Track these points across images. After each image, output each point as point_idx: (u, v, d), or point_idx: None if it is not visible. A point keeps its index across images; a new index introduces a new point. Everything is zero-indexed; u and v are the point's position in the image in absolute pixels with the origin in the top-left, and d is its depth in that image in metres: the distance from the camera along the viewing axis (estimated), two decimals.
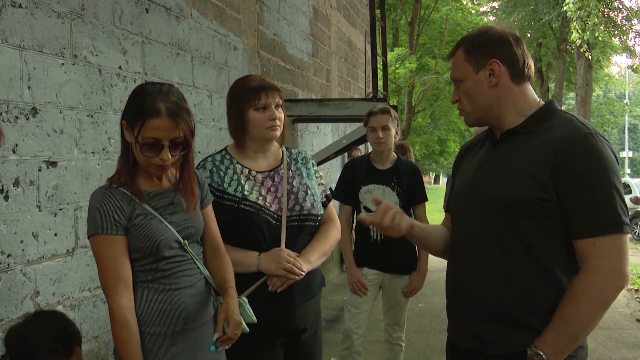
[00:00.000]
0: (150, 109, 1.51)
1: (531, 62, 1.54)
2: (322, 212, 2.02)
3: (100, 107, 2.57)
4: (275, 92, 1.94)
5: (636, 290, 6.70)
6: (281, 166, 2.00)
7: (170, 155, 1.54)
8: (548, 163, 1.39)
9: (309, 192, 1.98)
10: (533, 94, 1.54)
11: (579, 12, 9.94)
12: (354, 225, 3.23)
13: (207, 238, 1.75)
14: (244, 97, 1.92)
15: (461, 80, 1.54)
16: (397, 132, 3.10)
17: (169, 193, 1.64)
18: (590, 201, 1.36)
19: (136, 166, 1.59)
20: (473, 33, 1.56)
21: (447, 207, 1.75)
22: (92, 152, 2.52)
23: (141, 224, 1.55)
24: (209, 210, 1.78)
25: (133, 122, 1.53)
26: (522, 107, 1.50)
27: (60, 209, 2.33)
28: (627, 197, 15.37)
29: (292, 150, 2.09)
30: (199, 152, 3.46)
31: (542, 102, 1.54)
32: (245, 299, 1.78)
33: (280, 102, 1.96)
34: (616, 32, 16.91)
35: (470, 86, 1.52)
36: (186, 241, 1.63)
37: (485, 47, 1.49)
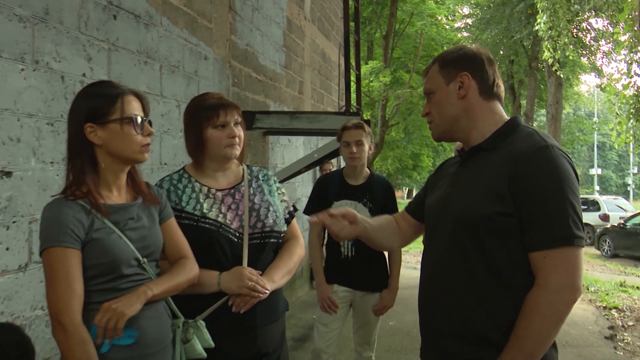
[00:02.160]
0: (118, 92, 1.55)
1: (501, 84, 1.60)
2: (285, 228, 2.00)
3: (62, 115, 2.49)
4: (234, 110, 1.92)
5: (604, 308, 6.82)
6: (242, 183, 1.98)
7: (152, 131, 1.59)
8: (506, 177, 1.43)
9: (270, 208, 1.96)
10: (501, 112, 1.58)
11: (550, 31, 10.29)
12: (325, 241, 3.22)
13: (171, 249, 1.70)
14: (202, 115, 1.89)
15: (433, 92, 1.60)
16: (370, 147, 3.11)
17: (129, 207, 1.60)
18: (542, 213, 1.38)
19: (98, 176, 1.55)
20: (449, 50, 1.64)
21: (409, 208, 1.84)
22: (51, 162, 2.44)
23: (100, 238, 1.48)
24: (172, 222, 1.74)
25: (106, 111, 1.52)
26: (488, 123, 1.55)
27: (14, 222, 2.24)
28: (595, 214, 15.82)
29: (253, 168, 2.08)
30: (166, 164, 3.40)
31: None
32: (203, 322, 1.74)
33: (240, 119, 1.94)
34: (584, 52, 17.52)
35: (440, 97, 1.58)
36: (145, 259, 1.58)
37: (458, 61, 1.57)
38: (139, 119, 1.56)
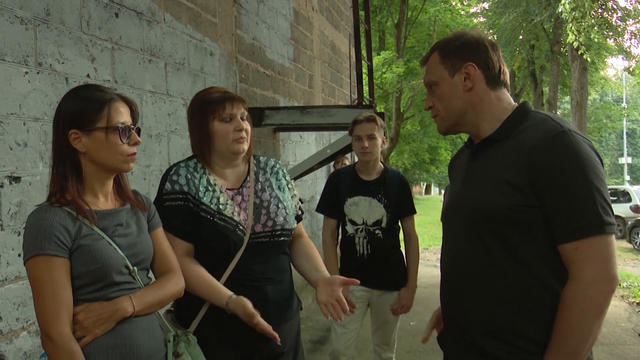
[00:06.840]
0: (106, 97, 1.55)
1: (506, 69, 1.60)
2: (295, 225, 2.01)
3: None
4: (240, 103, 1.93)
5: (638, 304, 6.77)
6: (248, 178, 1.99)
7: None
8: (524, 166, 1.42)
9: (280, 205, 1.97)
10: (509, 99, 1.59)
11: (573, 13, 10.13)
12: (339, 240, 3.25)
13: (157, 261, 1.70)
14: (208, 108, 1.90)
15: (436, 84, 1.59)
16: (383, 141, 3.14)
17: (117, 213, 1.60)
18: (567, 203, 1.37)
19: (81, 183, 1.56)
20: (448, 37, 1.63)
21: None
22: None
23: (88, 244, 1.48)
24: (160, 232, 1.74)
25: (92, 118, 1.52)
26: (497, 113, 1.55)
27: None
28: (626, 206, 15.65)
29: (261, 159, 2.08)
30: None
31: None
32: (194, 337, 1.76)
33: (246, 113, 1.95)
34: (611, 34, 17.29)
35: (445, 90, 1.57)
36: (135, 268, 1.57)
37: (461, 51, 1.55)
38: (126, 128, 1.56)
